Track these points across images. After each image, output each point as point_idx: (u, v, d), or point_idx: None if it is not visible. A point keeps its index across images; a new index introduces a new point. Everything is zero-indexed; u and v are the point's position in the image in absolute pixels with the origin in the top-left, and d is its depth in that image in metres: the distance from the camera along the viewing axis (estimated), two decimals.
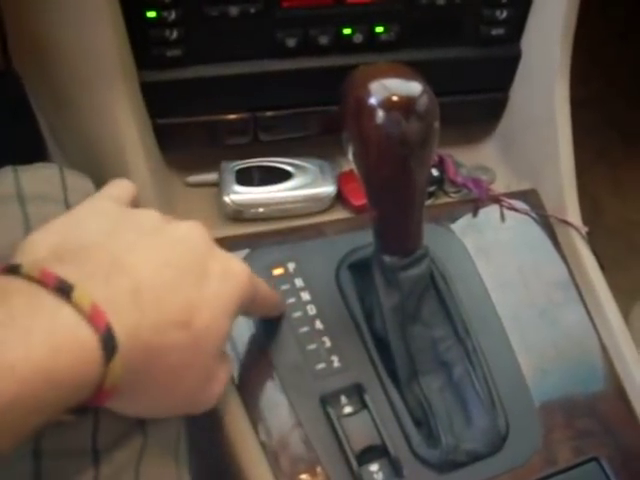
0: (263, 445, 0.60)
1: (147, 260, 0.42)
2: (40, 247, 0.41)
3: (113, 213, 0.47)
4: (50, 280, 0.36)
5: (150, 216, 0.47)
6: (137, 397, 0.43)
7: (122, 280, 0.39)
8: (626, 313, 0.82)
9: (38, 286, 0.36)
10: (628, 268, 1.31)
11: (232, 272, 0.48)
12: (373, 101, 0.52)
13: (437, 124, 0.54)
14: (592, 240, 0.79)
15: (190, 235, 0.47)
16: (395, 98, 0.52)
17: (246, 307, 0.51)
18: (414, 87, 0.53)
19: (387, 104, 0.52)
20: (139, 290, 0.40)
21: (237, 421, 0.61)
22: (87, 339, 0.36)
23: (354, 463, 0.59)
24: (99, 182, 0.63)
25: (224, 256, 0.49)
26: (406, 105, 0.52)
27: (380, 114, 0.52)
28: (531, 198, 0.79)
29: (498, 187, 0.81)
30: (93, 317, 0.36)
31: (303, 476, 0.59)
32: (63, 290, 0.36)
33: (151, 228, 0.46)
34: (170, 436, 0.51)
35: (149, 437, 0.48)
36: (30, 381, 0.33)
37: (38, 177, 0.54)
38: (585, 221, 0.78)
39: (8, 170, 0.54)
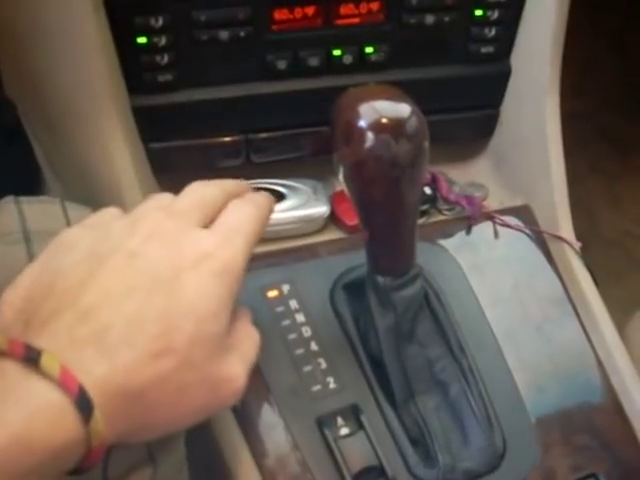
0: (260, 468, 0.60)
1: (104, 296, 0.40)
2: (10, 309, 0.41)
3: (76, 244, 0.44)
4: (18, 350, 0.36)
5: (106, 233, 0.44)
6: (145, 430, 0.42)
7: (83, 330, 0.38)
8: (622, 325, 0.82)
9: (7, 359, 0.36)
10: (624, 280, 1.31)
11: (209, 257, 0.43)
12: (362, 124, 0.52)
13: (427, 144, 0.54)
14: (588, 253, 0.79)
15: (149, 239, 0.43)
16: (384, 120, 0.52)
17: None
18: (403, 109, 0.53)
19: (376, 126, 0.52)
20: (102, 335, 0.38)
21: (233, 444, 0.61)
22: (61, 405, 0.36)
23: None
24: (95, 207, 0.64)
25: (196, 241, 0.44)
26: (395, 127, 0.52)
27: (370, 136, 0.52)
28: (524, 214, 0.80)
29: (491, 204, 0.81)
30: (63, 381, 0.36)
31: None
32: (31, 359, 0.36)
33: (107, 250, 0.42)
34: (176, 462, 0.51)
35: (158, 466, 0.48)
36: (8, 450, 0.34)
37: (42, 211, 0.54)
38: (581, 234, 0.79)
39: (10, 201, 0.53)
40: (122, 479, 0.46)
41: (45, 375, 0.36)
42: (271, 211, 0.53)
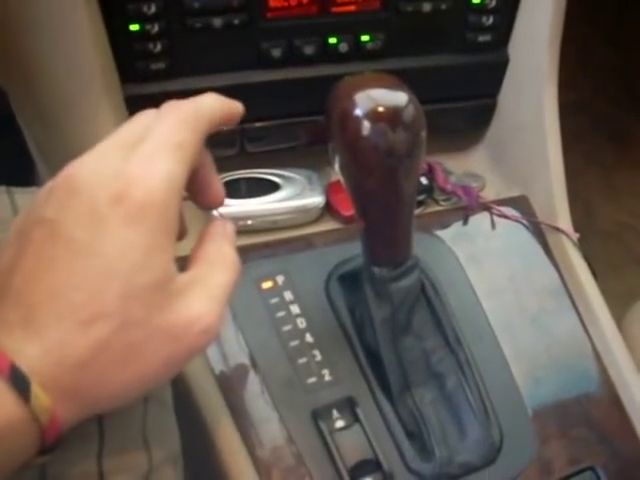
0: (255, 461, 0.59)
1: (28, 275, 0.38)
2: None
3: (13, 224, 0.42)
4: None
5: (32, 207, 0.41)
6: (110, 397, 0.40)
7: (14, 314, 0.37)
8: (620, 317, 0.82)
9: None
10: (622, 272, 1.31)
11: (121, 200, 0.38)
12: (359, 112, 0.51)
13: (424, 133, 0.53)
14: (585, 244, 0.78)
15: (64, 201, 0.39)
16: (381, 109, 0.51)
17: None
18: (400, 97, 0.52)
19: (373, 115, 0.51)
20: (31, 315, 0.37)
21: (228, 437, 0.60)
22: None
23: (347, 478, 0.58)
24: None
25: (108, 185, 0.39)
26: (392, 115, 0.51)
27: (366, 125, 0.51)
28: (521, 205, 0.79)
29: (488, 194, 0.80)
30: None
31: None
32: None
33: (29, 225, 0.39)
34: (172, 455, 0.50)
35: (154, 457, 0.47)
36: None
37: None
38: (578, 225, 0.78)
39: (2, 191, 0.52)
40: (117, 471, 0.45)
41: None
42: (223, 108, 0.46)
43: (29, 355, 0.36)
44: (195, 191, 0.47)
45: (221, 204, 0.48)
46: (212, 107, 0.45)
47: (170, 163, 0.40)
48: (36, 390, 0.35)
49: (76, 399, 0.38)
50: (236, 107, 0.48)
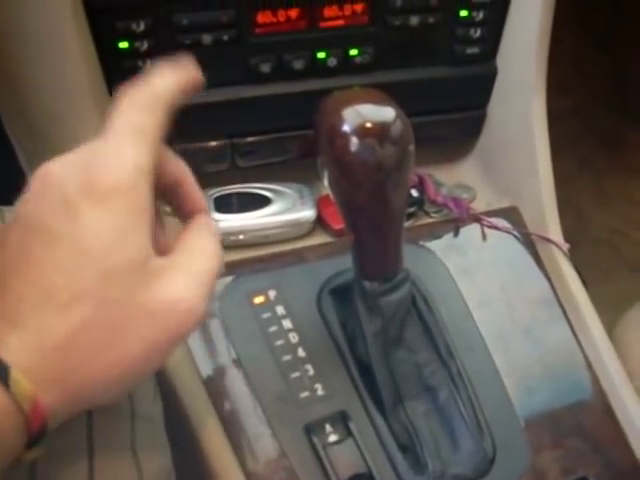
0: (248, 476, 0.59)
1: (11, 266, 0.39)
2: None
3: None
4: None
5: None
6: (96, 382, 0.40)
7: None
8: (611, 323, 0.82)
9: None
10: (614, 278, 1.31)
11: (91, 185, 0.39)
12: (347, 128, 0.51)
13: (412, 148, 0.54)
14: (577, 251, 0.78)
15: (38, 193, 0.40)
16: (369, 124, 0.51)
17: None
18: (387, 112, 0.53)
19: (361, 131, 0.51)
20: (10, 305, 0.38)
21: (220, 452, 0.60)
22: None
23: None
24: None
25: (78, 173, 0.39)
26: (380, 131, 0.52)
27: (354, 141, 0.51)
28: (512, 216, 0.79)
29: (479, 205, 0.80)
30: None
31: None
32: None
33: (12, 220, 0.40)
34: (164, 469, 0.50)
35: (144, 473, 0.47)
36: None
37: None
38: (569, 231, 0.79)
39: None
40: None
41: None
42: (179, 82, 0.46)
43: (10, 344, 0.37)
44: (178, 205, 0.48)
45: (203, 210, 0.48)
46: (166, 85, 0.45)
47: (134, 147, 0.41)
48: (16, 376, 0.36)
49: (59, 385, 0.38)
50: (192, 75, 0.47)
